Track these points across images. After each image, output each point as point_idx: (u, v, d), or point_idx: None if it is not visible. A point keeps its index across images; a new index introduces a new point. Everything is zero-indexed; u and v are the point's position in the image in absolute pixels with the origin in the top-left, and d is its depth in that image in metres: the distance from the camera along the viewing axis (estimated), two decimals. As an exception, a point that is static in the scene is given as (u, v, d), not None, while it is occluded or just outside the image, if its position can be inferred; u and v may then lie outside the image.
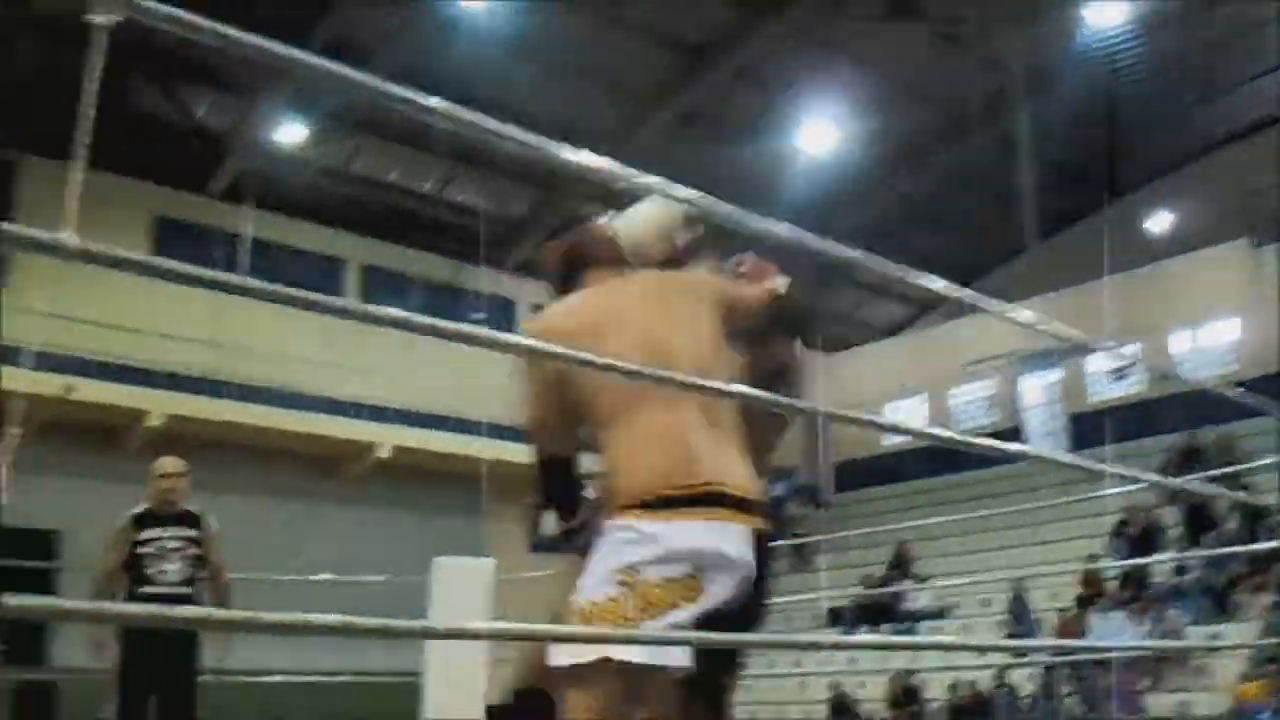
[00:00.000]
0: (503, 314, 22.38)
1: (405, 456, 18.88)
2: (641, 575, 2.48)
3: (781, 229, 1.84)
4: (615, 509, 2.58)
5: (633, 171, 1.67)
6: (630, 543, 2.52)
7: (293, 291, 1.62)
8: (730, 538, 2.53)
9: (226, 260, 18.48)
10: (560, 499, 2.94)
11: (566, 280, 3.09)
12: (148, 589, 5.96)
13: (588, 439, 2.77)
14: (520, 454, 15.78)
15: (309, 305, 1.58)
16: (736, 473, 2.63)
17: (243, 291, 1.54)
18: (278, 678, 10.09)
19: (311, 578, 9.50)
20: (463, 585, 6.47)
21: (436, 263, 21.17)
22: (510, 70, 17.56)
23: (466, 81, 17.39)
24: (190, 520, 6.20)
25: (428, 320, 1.70)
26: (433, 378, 18.56)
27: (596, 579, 2.55)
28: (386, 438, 18.78)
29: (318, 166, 19.58)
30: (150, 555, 6.03)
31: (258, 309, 17.74)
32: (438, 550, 7.27)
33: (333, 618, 1.41)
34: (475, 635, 1.78)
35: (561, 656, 2.55)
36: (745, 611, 2.64)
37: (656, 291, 2.91)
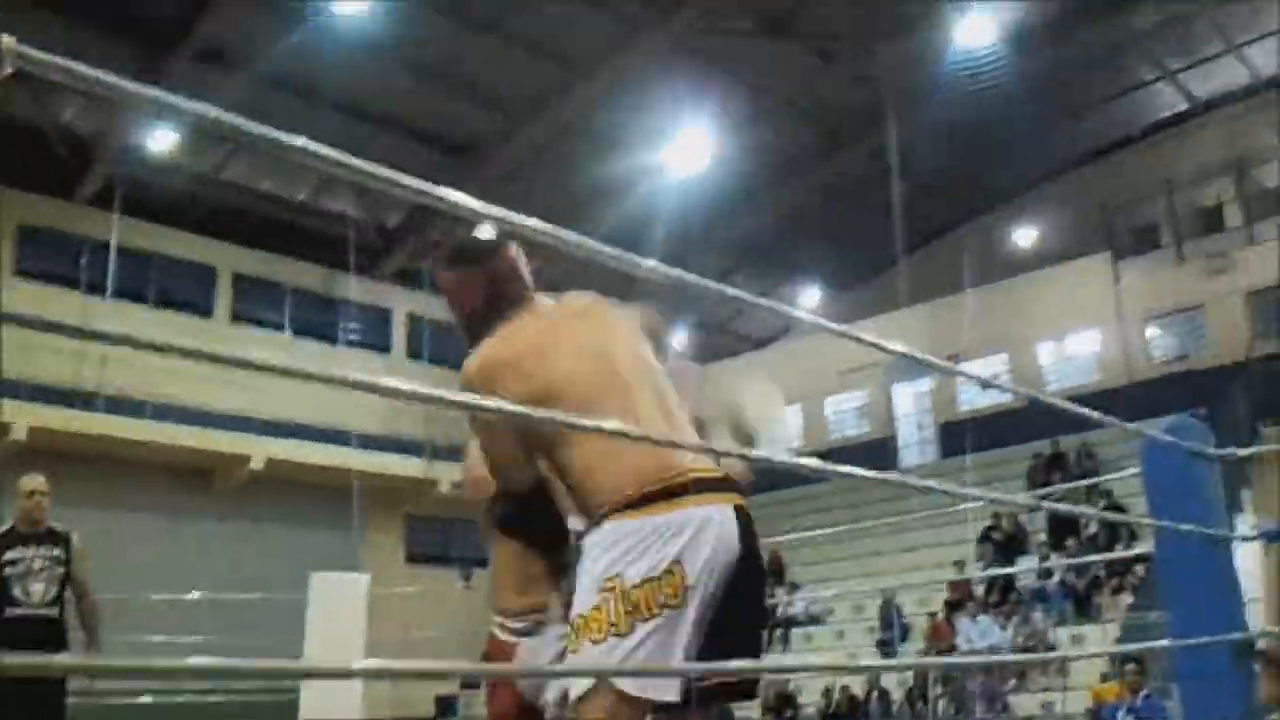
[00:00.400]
0: (378, 323, 22.20)
1: (279, 469, 18.58)
2: (622, 578, 2.42)
3: (636, 260, 1.88)
4: (596, 519, 2.53)
5: (481, 205, 1.70)
6: (609, 546, 2.46)
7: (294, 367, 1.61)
8: (716, 518, 2.50)
9: (93, 269, 18.01)
10: (545, 528, 2.89)
11: (488, 311, 2.98)
12: (13, 610, 5.81)
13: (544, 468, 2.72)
14: (395, 465, 15.77)
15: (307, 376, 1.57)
16: (706, 457, 2.64)
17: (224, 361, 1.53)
18: (147, 699, 9.87)
19: (184, 596, 9.31)
20: (340, 599, 6.41)
21: (310, 271, 20.87)
22: (386, 76, 17.40)
23: (342, 86, 17.21)
24: (56, 539, 6.05)
25: (397, 384, 1.67)
26: (306, 389, 18.33)
27: (583, 591, 2.48)
28: (260, 450, 18.46)
29: (189, 173, 19.18)
30: (15, 575, 5.87)
31: (126, 318, 17.44)
32: (313, 563, 7.19)
33: (205, 662, 1.40)
34: (355, 674, 1.71)
35: (571, 690, 2.48)
36: (744, 599, 2.54)
37: (584, 309, 2.95)
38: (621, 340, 2.82)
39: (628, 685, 2.39)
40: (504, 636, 3.37)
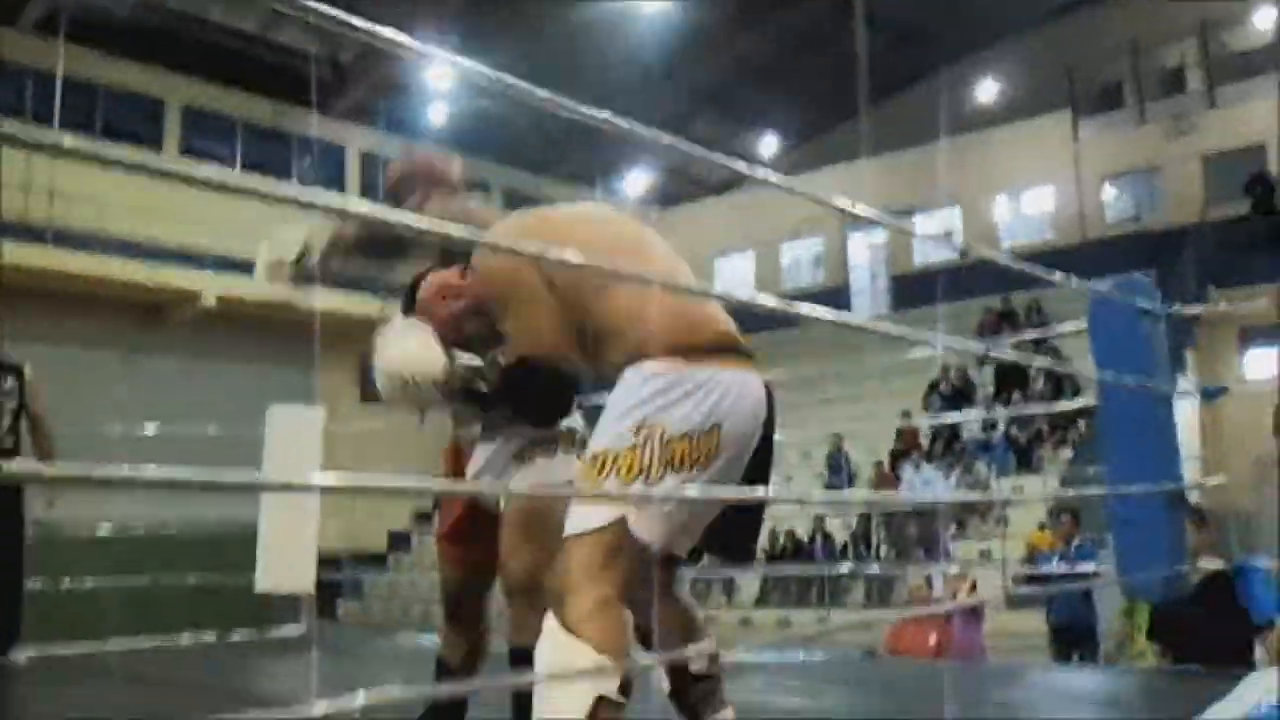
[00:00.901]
0: (331, 161, 21.87)
1: (231, 306, 18.46)
2: (665, 425, 2.33)
3: (592, 113, 1.86)
4: (636, 357, 2.42)
5: (431, 49, 1.68)
6: (649, 383, 2.37)
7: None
8: (750, 387, 2.48)
9: (38, 99, 17.56)
10: (550, 403, 2.87)
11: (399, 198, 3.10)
12: (-35, 441, 5.81)
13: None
14: (351, 304, 15.60)
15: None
16: (731, 319, 2.60)
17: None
18: (105, 531, 9.94)
19: (139, 430, 9.32)
20: (294, 433, 6.47)
21: (261, 106, 20.45)
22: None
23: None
24: (8, 370, 6.02)
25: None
26: (257, 225, 18.10)
27: (615, 423, 2.37)
28: (210, 286, 18.29)
29: (136, 1, 18.60)
30: (-31, 406, 5.87)
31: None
32: (267, 400, 7.21)
33: (160, 472, 1.40)
34: (314, 489, 1.74)
35: (577, 523, 2.35)
36: (757, 471, 2.52)
37: (596, 206, 2.88)
38: (618, 212, 2.80)
39: (641, 532, 2.32)
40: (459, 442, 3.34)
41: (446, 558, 3.26)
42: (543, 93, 1.63)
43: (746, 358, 2.55)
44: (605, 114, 1.84)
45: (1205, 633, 4.91)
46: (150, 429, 9.13)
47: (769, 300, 2.18)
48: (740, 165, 2.20)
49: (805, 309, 2.35)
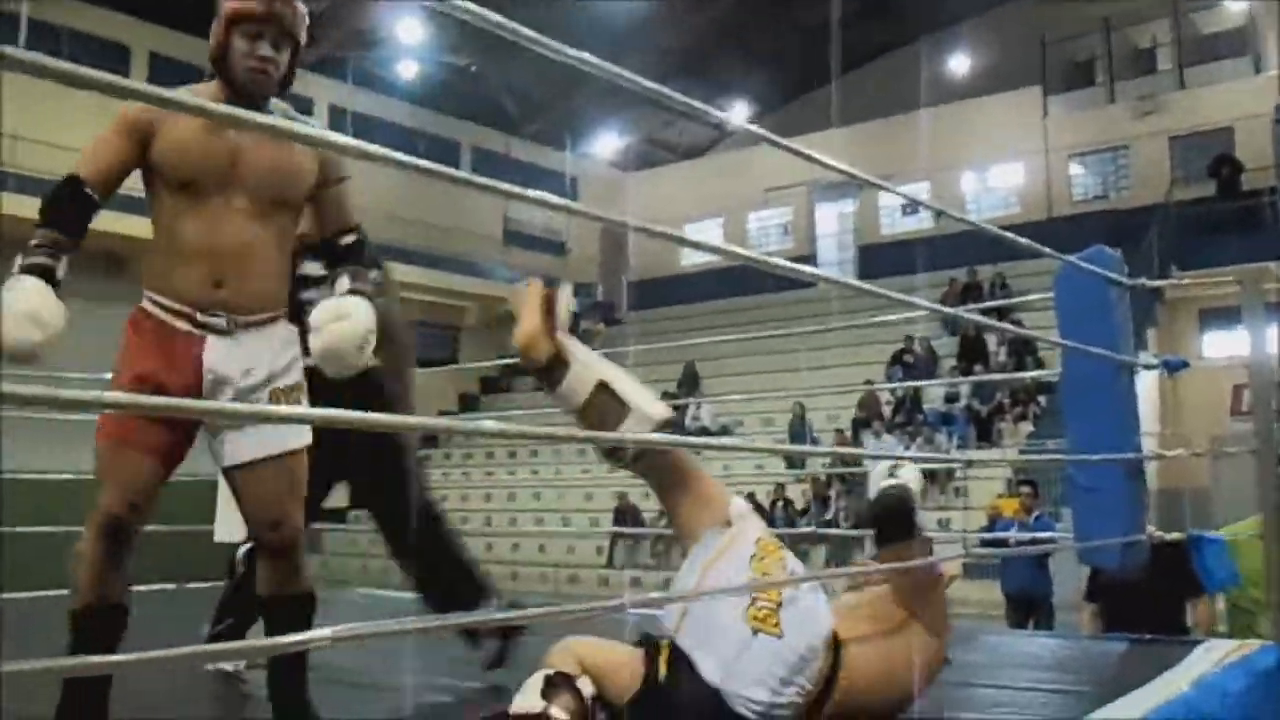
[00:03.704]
0: (300, 112, 21.66)
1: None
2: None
3: (573, 53, 1.85)
4: None
5: None
6: None
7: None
8: None
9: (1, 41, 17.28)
10: None
11: None
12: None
13: None
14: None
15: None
16: None
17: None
18: (67, 475, 9.85)
19: (101, 375, 9.21)
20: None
21: (228, 55, 20.18)
22: None
23: None
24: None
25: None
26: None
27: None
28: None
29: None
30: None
31: (32, 96, 16.81)
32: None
33: (117, 395, 1.38)
34: (272, 418, 1.72)
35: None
36: None
37: None
38: None
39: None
40: None
41: None
42: (528, 31, 1.61)
43: None
44: (633, 75, 1.82)
45: (1149, 599, 4.98)
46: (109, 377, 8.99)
47: (773, 260, 2.18)
48: (755, 128, 2.20)
49: (807, 270, 2.37)
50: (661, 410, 2.76)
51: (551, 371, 2.73)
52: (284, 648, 1.31)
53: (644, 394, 2.77)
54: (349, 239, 2.84)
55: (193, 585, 6.82)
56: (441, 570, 3.78)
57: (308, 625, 2.55)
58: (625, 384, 2.76)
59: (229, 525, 6.60)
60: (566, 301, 2.78)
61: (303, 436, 2.67)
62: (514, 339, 2.77)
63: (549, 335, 2.74)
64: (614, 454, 2.75)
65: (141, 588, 2.73)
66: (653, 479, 2.78)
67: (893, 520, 2.83)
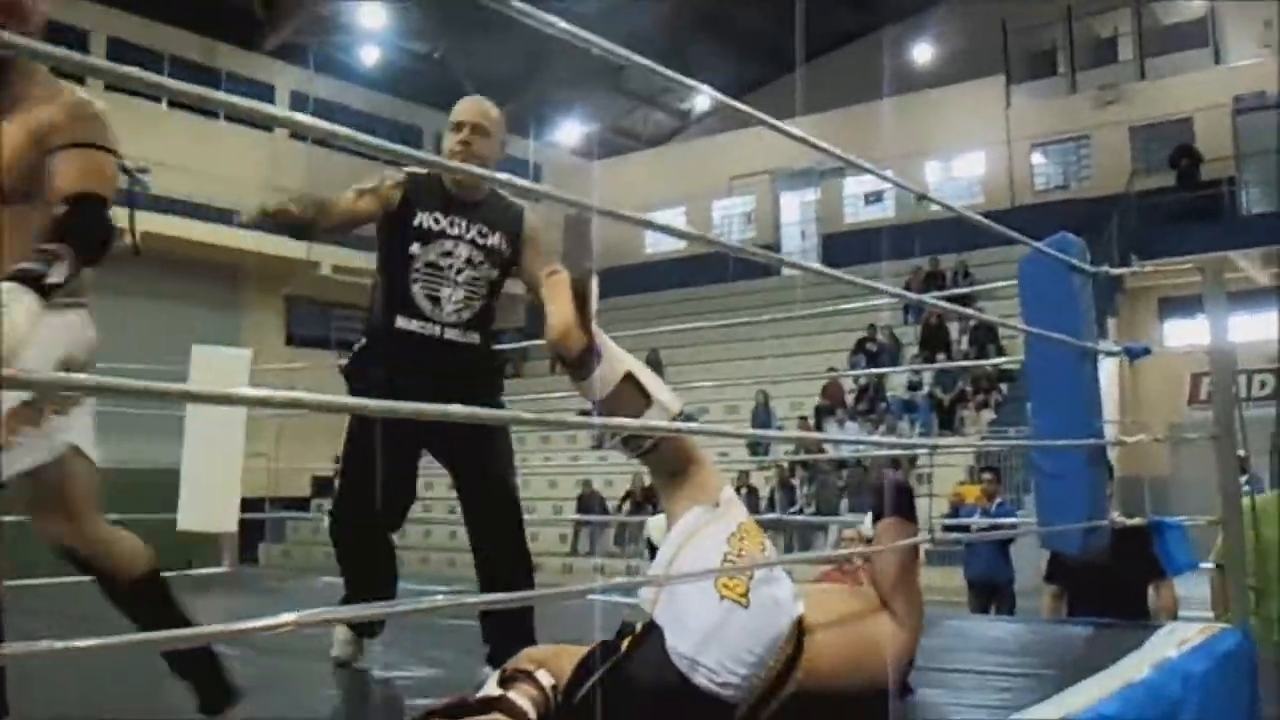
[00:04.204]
0: (260, 98, 21.48)
1: (154, 243, 18.09)
2: None
3: (558, 23, 1.84)
4: None
5: None
6: None
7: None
8: None
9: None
10: None
11: None
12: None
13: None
14: (275, 245, 15.32)
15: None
16: None
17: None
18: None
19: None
20: (220, 374, 6.37)
21: (190, 40, 20.01)
22: None
23: None
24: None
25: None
26: (186, 162, 17.80)
27: None
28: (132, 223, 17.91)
29: (61, -74, 18.07)
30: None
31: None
32: (190, 341, 7.08)
33: (86, 377, 1.34)
34: (245, 401, 1.69)
35: None
36: None
37: None
38: None
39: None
40: None
41: None
42: (519, 3, 1.60)
43: None
44: (608, 43, 1.81)
45: (1111, 584, 5.03)
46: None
47: (748, 248, 2.18)
48: (742, 106, 2.19)
49: (777, 257, 2.38)
50: (678, 401, 2.80)
51: (583, 363, 2.73)
52: (252, 632, 1.30)
53: (661, 385, 2.81)
54: (61, 209, 2.33)
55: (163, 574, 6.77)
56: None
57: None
58: (646, 375, 2.79)
59: (194, 513, 6.58)
60: (596, 291, 2.78)
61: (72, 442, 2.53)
62: (548, 330, 2.75)
63: (585, 327, 2.72)
64: (632, 443, 2.77)
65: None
66: (658, 466, 2.80)
67: (899, 493, 2.89)
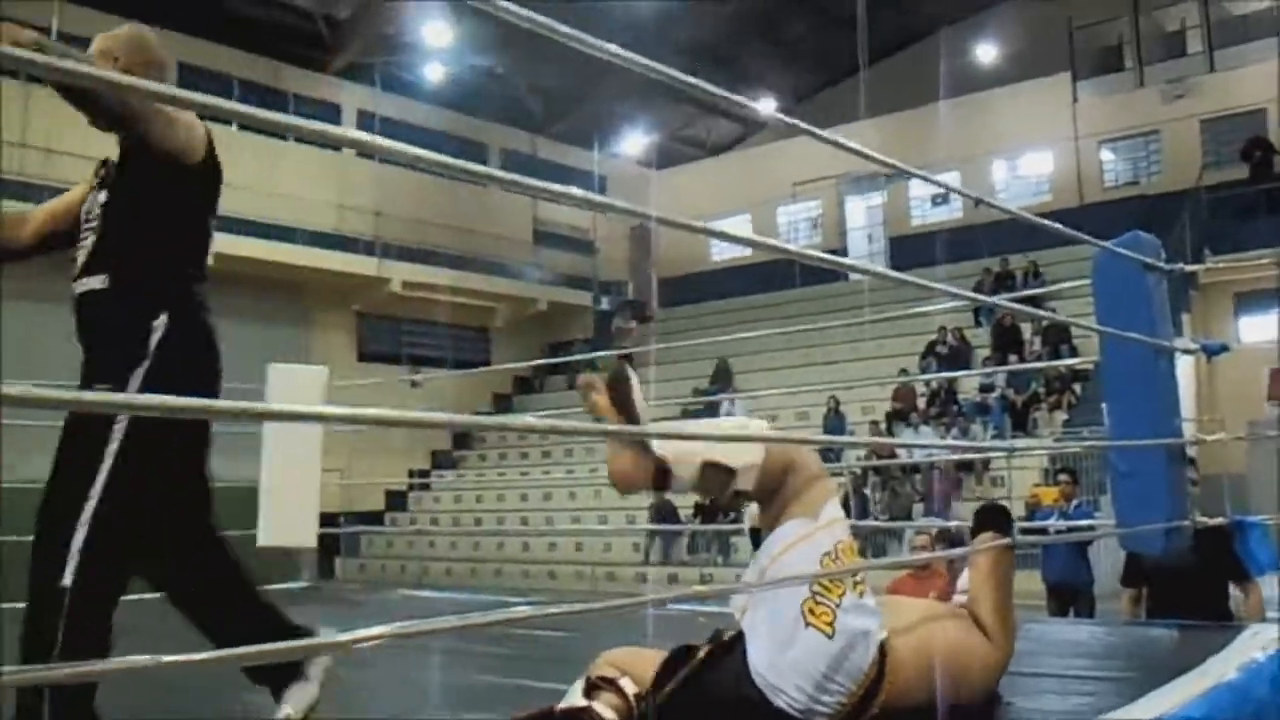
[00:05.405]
0: (328, 120, 21.78)
1: (226, 264, 18.38)
2: None
3: (609, 47, 1.85)
4: None
5: None
6: None
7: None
8: None
9: (33, 53, 17.41)
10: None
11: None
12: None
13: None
14: (345, 263, 15.50)
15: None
16: None
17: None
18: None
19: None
20: (297, 392, 6.46)
21: (257, 64, 20.34)
22: None
23: None
24: None
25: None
26: (254, 184, 18.10)
27: None
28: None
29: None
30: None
31: (65, 107, 16.98)
32: (264, 360, 7.19)
33: (166, 399, 1.35)
34: (324, 418, 1.71)
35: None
36: None
37: None
38: None
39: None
40: None
41: None
42: (564, 29, 1.62)
43: None
44: (661, 66, 1.83)
45: (1193, 586, 4.96)
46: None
47: (816, 253, 2.18)
48: (781, 117, 2.20)
49: (847, 263, 2.38)
50: (758, 452, 2.68)
51: (660, 486, 2.69)
52: (343, 647, 1.32)
53: (738, 447, 2.70)
54: None
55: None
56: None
57: None
58: (718, 449, 2.69)
59: (275, 529, 6.68)
60: (640, 395, 2.71)
61: None
62: (610, 475, 2.69)
63: (643, 468, 2.63)
64: (733, 503, 2.74)
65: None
66: (762, 495, 2.72)
67: (998, 513, 2.88)
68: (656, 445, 2.62)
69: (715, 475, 2.62)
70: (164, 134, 2.80)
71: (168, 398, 1.33)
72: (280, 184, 18.74)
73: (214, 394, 2.90)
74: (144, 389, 2.68)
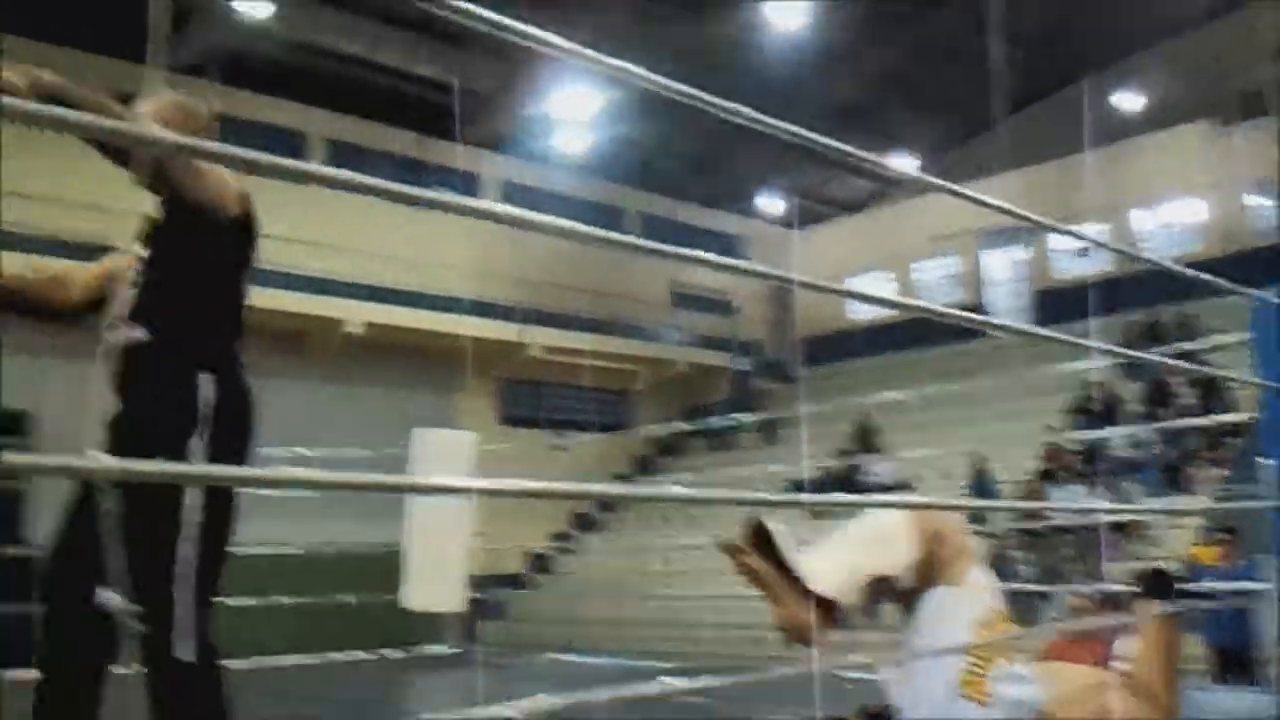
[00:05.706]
0: (469, 190, 22.28)
1: (373, 333, 18.88)
2: None
3: (743, 110, 1.87)
4: None
5: (591, 52, 1.70)
6: None
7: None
8: None
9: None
10: None
11: None
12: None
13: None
14: (485, 329, 15.78)
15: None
16: None
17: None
18: (257, 549, 10.18)
19: (280, 452, 9.51)
20: (444, 457, 6.56)
21: (400, 137, 20.96)
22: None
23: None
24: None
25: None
26: (397, 252, 18.61)
27: None
28: (355, 314, 18.73)
29: (283, 39, 19.19)
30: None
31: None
32: (408, 425, 7.31)
33: (315, 473, 1.40)
34: (464, 490, 1.73)
35: None
36: None
37: None
38: None
39: None
40: None
41: None
42: (709, 97, 1.63)
43: None
44: (797, 128, 1.84)
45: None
46: (294, 453, 9.30)
47: (952, 311, 2.16)
48: (918, 174, 2.19)
49: (997, 321, 2.34)
50: (909, 549, 2.66)
51: (829, 622, 2.67)
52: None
53: (890, 550, 2.68)
54: None
55: (389, 652, 6.95)
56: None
57: None
58: (873, 561, 2.68)
59: (422, 593, 6.75)
60: (789, 542, 2.69)
61: None
62: (779, 630, 2.71)
63: (810, 612, 2.63)
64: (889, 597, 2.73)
65: (339, 655, 2.81)
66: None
67: (1163, 577, 2.79)
68: (813, 582, 2.58)
69: (879, 587, 2.59)
70: (194, 186, 2.90)
71: (307, 471, 1.36)
72: (422, 252, 19.18)
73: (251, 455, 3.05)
74: (208, 456, 2.83)
